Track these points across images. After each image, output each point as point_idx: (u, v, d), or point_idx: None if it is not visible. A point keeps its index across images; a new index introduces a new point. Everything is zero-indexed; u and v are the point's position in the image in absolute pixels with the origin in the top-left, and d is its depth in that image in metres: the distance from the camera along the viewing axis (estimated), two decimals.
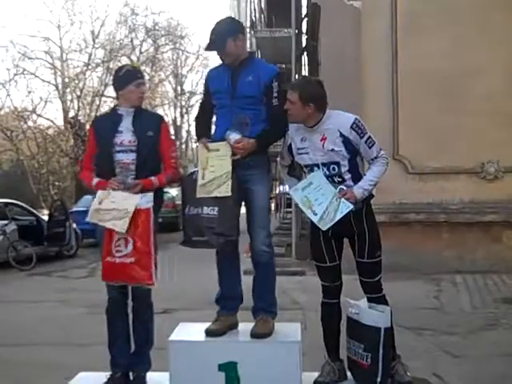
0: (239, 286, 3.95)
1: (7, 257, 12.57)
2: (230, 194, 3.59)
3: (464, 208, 10.31)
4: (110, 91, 27.11)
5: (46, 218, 14.75)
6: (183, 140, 44.50)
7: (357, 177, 3.71)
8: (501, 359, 5.36)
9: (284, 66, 15.95)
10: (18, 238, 13.20)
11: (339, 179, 3.70)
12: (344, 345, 3.83)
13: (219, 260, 3.92)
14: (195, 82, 40.90)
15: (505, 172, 10.39)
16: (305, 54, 18.42)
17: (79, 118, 29.14)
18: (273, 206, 20.18)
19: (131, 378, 3.92)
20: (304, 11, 16.80)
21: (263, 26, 17.14)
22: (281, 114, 3.72)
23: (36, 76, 29.77)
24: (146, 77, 31.13)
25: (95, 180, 3.88)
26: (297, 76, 14.55)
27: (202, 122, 3.99)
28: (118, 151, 3.83)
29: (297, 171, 4.01)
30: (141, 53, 33.21)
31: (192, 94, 40.62)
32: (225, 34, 3.73)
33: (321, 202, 3.63)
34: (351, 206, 3.60)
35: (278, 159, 4.03)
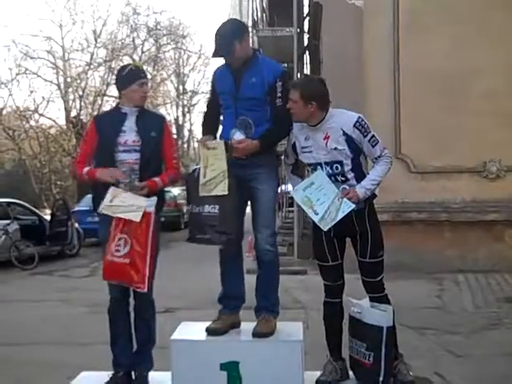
0: (242, 285, 3.95)
1: (9, 256, 12.59)
2: (226, 192, 3.58)
3: (466, 207, 10.30)
4: (112, 91, 27.19)
5: (48, 217, 14.75)
6: (185, 139, 44.53)
7: (360, 176, 3.70)
8: (503, 359, 5.35)
9: (286, 64, 15.93)
10: (20, 237, 13.22)
11: (342, 178, 3.69)
12: (346, 344, 3.82)
13: (222, 259, 3.91)
14: (197, 82, 40.92)
15: (507, 171, 10.37)
16: (307, 52, 18.41)
17: (81, 117, 29.16)
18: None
19: (133, 377, 3.92)
20: (306, 10, 16.79)
21: (265, 25, 17.15)
22: (285, 113, 3.70)
23: (38, 75, 29.82)
24: (148, 76, 31.10)
25: (85, 169, 3.87)
26: (299, 75, 14.54)
27: (209, 121, 3.98)
28: (122, 151, 3.83)
29: (300, 170, 4.01)
30: (143, 52, 33.23)
31: (194, 93, 40.68)
32: (231, 39, 3.67)
33: (322, 202, 3.62)
34: (353, 206, 3.59)
35: (283, 157, 4.03)
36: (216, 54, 3.78)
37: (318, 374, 3.80)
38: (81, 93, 29.67)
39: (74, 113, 30.14)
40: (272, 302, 3.86)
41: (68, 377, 4.21)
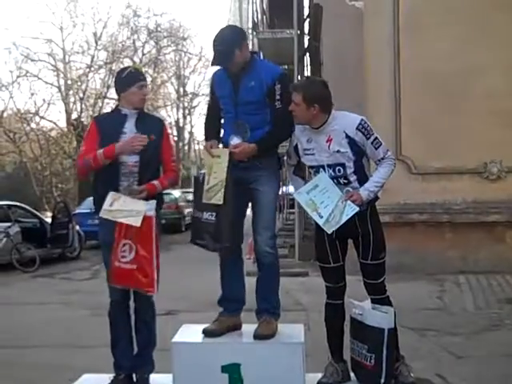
0: (242, 287, 3.95)
1: (11, 259, 12.60)
2: (221, 202, 3.58)
3: (467, 208, 10.30)
4: (113, 93, 27.08)
5: (49, 220, 14.76)
6: (186, 141, 44.55)
7: (363, 178, 3.70)
8: (504, 359, 5.35)
9: (286, 66, 15.93)
10: (21, 240, 13.22)
11: (344, 181, 3.68)
12: (347, 346, 3.82)
13: (222, 261, 3.92)
14: (198, 84, 40.88)
15: (507, 172, 10.37)
16: (307, 54, 18.41)
17: (82, 119, 29.18)
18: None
19: (134, 379, 3.93)
20: (306, 12, 16.81)
21: (265, 27, 17.13)
22: (284, 116, 3.70)
23: (39, 78, 29.84)
24: (149, 78, 31.22)
25: (100, 150, 3.77)
26: (299, 77, 14.55)
27: (210, 125, 3.97)
28: None
29: (302, 171, 4.01)
30: (143, 54, 33.27)
31: (194, 95, 40.71)
32: (232, 47, 3.65)
33: (326, 205, 3.62)
34: (357, 209, 3.59)
35: (285, 158, 4.03)
36: (216, 63, 3.78)
37: (319, 375, 3.79)
38: (81, 95, 29.69)
39: (74, 115, 30.17)
40: (273, 305, 3.86)
41: (70, 379, 4.22)
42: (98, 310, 5.51)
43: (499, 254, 9.91)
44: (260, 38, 14.65)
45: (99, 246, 4.08)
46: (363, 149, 3.67)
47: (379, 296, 3.74)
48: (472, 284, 9.11)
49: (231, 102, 3.76)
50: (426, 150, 10.28)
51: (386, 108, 10.44)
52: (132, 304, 3.97)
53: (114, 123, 3.90)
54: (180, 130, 41.33)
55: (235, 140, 3.71)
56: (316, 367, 3.87)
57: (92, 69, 30.28)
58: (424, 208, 10.38)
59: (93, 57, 30.56)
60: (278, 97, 3.70)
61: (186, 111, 42.94)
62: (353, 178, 3.68)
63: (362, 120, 3.65)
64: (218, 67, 3.89)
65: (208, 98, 4.12)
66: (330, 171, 3.68)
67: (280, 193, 22.97)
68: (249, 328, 3.81)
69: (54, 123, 30.51)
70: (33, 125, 30.05)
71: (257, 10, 16.06)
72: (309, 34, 17.32)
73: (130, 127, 3.88)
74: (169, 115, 41.37)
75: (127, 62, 29.10)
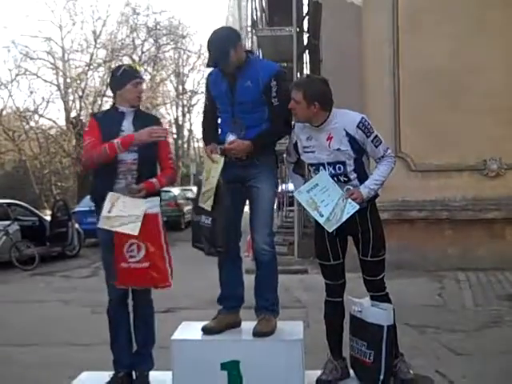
0: (241, 285, 3.95)
1: (10, 257, 12.61)
2: (209, 209, 3.60)
3: (467, 205, 10.30)
4: None
5: (48, 218, 14.77)
6: (185, 139, 44.56)
7: (362, 176, 3.69)
8: (504, 356, 5.35)
9: (286, 64, 15.93)
10: (20, 238, 13.24)
11: (345, 179, 3.68)
12: (347, 343, 3.83)
13: (221, 260, 3.92)
14: (197, 81, 40.89)
15: (507, 169, 10.37)
16: (306, 52, 18.42)
17: (81, 117, 29.14)
18: (275, 204, 20.20)
19: (134, 377, 3.93)
20: (305, 9, 16.80)
21: (264, 24, 17.13)
22: (280, 112, 3.70)
23: (38, 76, 29.80)
24: (148, 76, 31.23)
25: (116, 140, 3.75)
26: (298, 74, 14.55)
27: (208, 126, 3.96)
28: None
29: (302, 168, 4.01)
30: (142, 52, 33.23)
31: (194, 93, 40.73)
32: (227, 48, 3.64)
33: (327, 204, 3.61)
34: (357, 207, 3.58)
35: (285, 155, 4.02)
36: (211, 64, 3.77)
37: (318, 372, 3.79)
38: (81, 93, 29.65)
39: (73, 113, 30.14)
40: (271, 302, 3.86)
41: (69, 377, 4.22)
42: (98, 308, 5.52)
43: (499, 250, 9.91)
44: (259, 36, 14.66)
45: (98, 244, 4.08)
46: (363, 147, 3.66)
47: (379, 293, 3.74)
48: (471, 281, 9.12)
49: (228, 102, 3.76)
50: (425, 148, 10.28)
51: (386, 105, 10.44)
52: (131, 302, 3.97)
53: (113, 121, 3.89)
54: (179, 127, 41.35)
55: (231, 137, 3.71)
56: (315, 364, 3.87)
57: (91, 67, 30.24)
58: (423, 205, 10.38)
59: (92, 55, 30.54)
60: (274, 94, 3.70)
61: (185, 109, 43.01)
62: (353, 175, 3.68)
63: (362, 118, 3.65)
64: (213, 68, 3.88)
65: (204, 100, 4.11)
66: (330, 169, 3.67)
67: (279, 190, 23.07)
68: (248, 325, 3.81)
69: (54, 121, 30.58)
70: (32, 123, 30.09)
71: (256, 8, 16.05)
72: (308, 31, 17.33)
73: (127, 125, 3.88)
74: (168, 113, 41.44)
75: (126, 60, 29.08)
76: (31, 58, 29.69)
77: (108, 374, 3.90)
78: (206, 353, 3.66)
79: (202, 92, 37.08)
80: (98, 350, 5.01)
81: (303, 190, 3.71)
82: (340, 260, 3.81)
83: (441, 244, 10.14)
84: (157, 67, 34.10)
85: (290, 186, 12.28)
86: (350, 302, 3.79)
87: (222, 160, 3.63)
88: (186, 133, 44.26)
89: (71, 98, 30.51)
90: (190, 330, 3.91)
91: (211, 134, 3.89)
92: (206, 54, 3.82)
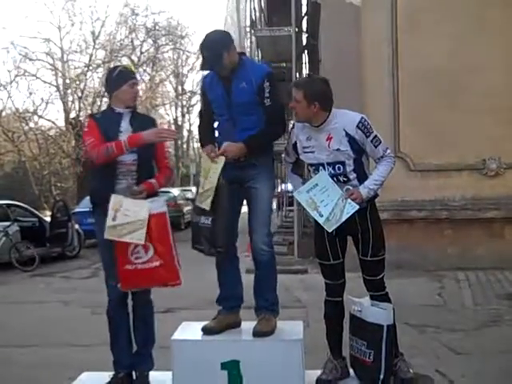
0: (239, 285, 3.95)
1: (10, 258, 12.61)
2: (208, 208, 3.61)
3: (466, 205, 10.31)
4: None
5: (48, 219, 14.77)
6: (184, 140, 44.54)
7: (362, 176, 3.70)
8: (504, 355, 5.36)
9: (284, 64, 15.97)
10: (20, 239, 13.24)
11: (344, 179, 3.68)
12: (347, 342, 3.83)
13: (218, 261, 3.92)
14: (196, 82, 40.84)
15: (506, 168, 10.38)
16: (305, 52, 18.42)
17: (80, 118, 29.08)
18: (275, 204, 20.17)
19: (134, 377, 3.93)
20: (304, 9, 16.80)
21: (263, 24, 17.14)
22: (274, 113, 3.72)
23: (37, 77, 29.78)
24: (147, 77, 31.25)
25: (123, 138, 3.76)
26: (297, 74, 14.56)
27: (205, 130, 3.96)
28: None
29: (301, 168, 4.01)
30: (141, 53, 33.23)
31: (193, 93, 40.72)
32: (220, 50, 3.65)
33: (326, 204, 3.62)
34: (357, 207, 3.59)
35: (284, 155, 4.03)
36: (206, 67, 3.79)
37: (318, 372, 3.80)
38: (80, 94, 29.65)
39: (73, 114, 30.13)
40: (271, 302, 3.86)
41: (70, 377, 4.23)
42: (98, 309, 5.52)
43: (498, 250, 9.92)
44: (258, 36, 14.67)
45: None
46: (363, 147, 3.66)
47: (378, 292, 3.75)
48: (471, 280, 9.12)
49: (224, 105, 3.77)
50: (424, 147, 10.29)
51: (385, 105, 10.45)
52: (130, 302, 3.98)
53: (111, 122, 3.89)
54: (178, 128, 41.32)
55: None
56: (315, 364, 3.88)
57: (90, 68, 30.24)
58: (423, 205, 10.39)
59: (91, 56, 30.53)
60: (267, 94, 3.70)
61: (185, 109, 43.01)
62: (352, 175, 3.68)
63: (362, 118, 3.65)
64: (207, 72, 3.90)
65: (200, 104, 4.12)
66: (330, 169, 3.68)
67: (279, 190, 23.08)
68: (248, 325, 3.82)
69: (53, 122, 30.52)
70: (31, 124, 30.06)
71: (255, 8, 16.06)
72: (307, 31, 17.33)
73: (125, 126, 3.88)
74: (167, 113, 41.47)
75: (125, 61, 29.07)
76: (30, 59, 29.69)
77: (108, 375, 3.90)
78: (206, 353, 3.66)
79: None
80: (98, 351, 5.01)
81: (303, 190, 3.71)
82: (340, 260, 3.81)
83: (440, 244, 10.15)
84: (156, 68, 34.13)
85: (290, 186, 12.27)
86: (350, 302, 3.79)
87: (222, 160, 3.64)
88: (185, 133, 44.25)
89: (70, 98, 30.52)
90: (190, 330, 3.91)
91: (208, 136, 3.90)
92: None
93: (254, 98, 3.71)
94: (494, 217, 10.16)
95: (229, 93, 3.74)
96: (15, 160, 30.54)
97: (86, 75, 30.16)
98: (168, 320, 5.50)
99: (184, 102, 42.27)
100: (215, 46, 3.67)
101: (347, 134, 3.62)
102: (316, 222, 3.70)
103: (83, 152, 23.20)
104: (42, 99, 30.36)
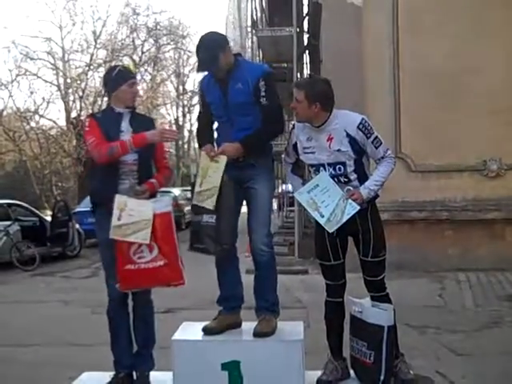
0: (239, 286, 3.95)
1: (10, 257, 12.62)
2: (212, 208, 3.61)
3: (467, 206, 10.30)
4: None
5: (49, 218, 14.77)
6: (185, 140, 44.54)
7: (363, 177, 3.70)
8: (504, 357, 5.35)
9: (286, 64, 15.97)
10: (21, 238, 13.24)
11: (345, 179, 3.68)
12: (347, 343, 3.83)
13: (218, 261, 3.92)
14: (197, 82, 40.80)
15: (507, 169, 10.37)
16: (306, 52, 18.42)
17: (81, 118, 29.07)
18: (275, 204, 20.16)
19: (135, 377, 3.93)
20: (305, 10, 16.80)
21: (264, 25, 17.14)
22: (270, 112, 3.71)
23: (38, 77, 29.76)
24: (148, 76, 31.25)
25: (127, 137, 3.76)
26: (299, 75, 14.56)
27: (204, 132, 3.95)
28: None
29: (301, 169, 4.01)
30: (143, 53, 33.23)
31: (194, 93, 40.55)
32: (216, 52, 3.66)
33: (327, 204, 3.62)
34: (358, 208, 3.59)
35: (283, 156, 4.03)
36: (202, 69, 3.79)
37: (318, 373, 3.80)
38: (81, 94, 29.65)
39: (74, 114, 30.12)
40: (271, 302, 3.86)
41: (70, 377, 4.23)
42: (98, 308, 5.51)
43: (499, 251, 9.91)
44: (259, 36, 14.67)
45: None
46: (364, 148, 3.66)
47: (379, 293, 3.75)
48: (472, 281, 9.12)
49: (222, 106, 3.77)
50: (425, 148, 10.28)
51: (386, 106, 10.44)
52: (131, 302, 3.97)
53: (111, 121, 3.89)
54: (179, 128, 41.32)
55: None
56: (316, 364, 3.88)
57: (91, 67, 30.23)
58: (424, 205, 10.38)
59: (92, 55, 30.52)
60: (263, 93, 3.70)
61: (186, 109, 42.99)
62: (353, 176, 3.69)
63: (362, 119, 3.65)
64: (203, 73, 3.90)
65: (198, 107, 4.12)
66: (331, 170, 3.68)
67: (280, 191, 23.04)
68: (249, 326, 3.82)
69: (54, 122, 30.53)
70: (32, 123, 30.05)
71: (256, 8, 16.07)
72: (308, 31, 17.34)
73: (126, 126, 3.88)
74: (168, 113, 41.48)
75: (126, 61, 29.12)
76: (31, 59, 29.70)
77: (109, 375, 3.90)
78: (206, 353, 3.66)
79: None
80: (99, 351, 5.01)
81: (303, 191, 3.71)
82: (340, 260, 3.81)
83: (441, 244, 10.14)
84: (157, 67, 34.12)
85: (291, 187, 12.32)
86: (351, 303, 3.79)
87: (224, 159, 3.64)
88: (186, 133, 44.24)
89: (71, 98, 30.51)
90: (190, 331, 3.91)
91: (207, 137, 3.90)
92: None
93: (250, 99, 3.71)
94: (495, 218, 10.16)
95: (225, 94, 3.74)
96: (16, 159, 30.55)
97: (87, 75, 30.17)
98: (168, 320, 5.50)
99: (185, 102, 42.30)
100: (211, 48, 3.68)
101: (348, 135, 3.62)
102: (317, 222, 3.70)
103: (84, 151, 23.19)
104: (43, 99, 30.39)
